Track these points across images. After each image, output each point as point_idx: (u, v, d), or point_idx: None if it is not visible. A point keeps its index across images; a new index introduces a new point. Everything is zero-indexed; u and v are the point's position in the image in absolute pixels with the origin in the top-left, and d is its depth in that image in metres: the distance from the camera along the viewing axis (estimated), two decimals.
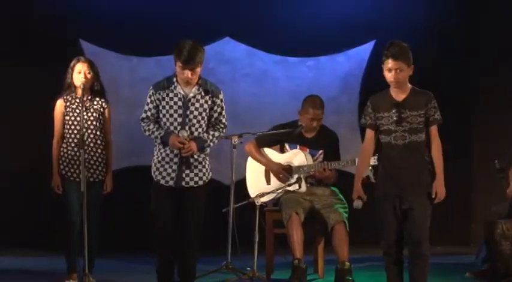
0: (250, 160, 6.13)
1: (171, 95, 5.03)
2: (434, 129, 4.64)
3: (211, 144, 5.12)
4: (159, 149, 5.09)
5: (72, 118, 5.58)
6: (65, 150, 5.59)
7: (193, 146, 4.99)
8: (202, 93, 5.06)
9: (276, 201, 5.92)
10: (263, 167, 6.02)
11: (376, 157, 4.78)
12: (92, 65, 5.65)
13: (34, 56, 7.55)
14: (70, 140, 5.58)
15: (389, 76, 4.62)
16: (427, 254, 4.59)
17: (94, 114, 5.60)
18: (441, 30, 8.00)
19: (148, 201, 5.14)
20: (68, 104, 5.60)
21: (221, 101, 5.13)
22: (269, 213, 5.99)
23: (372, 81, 7.54)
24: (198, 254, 5.18)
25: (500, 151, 6.27)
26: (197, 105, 5.04)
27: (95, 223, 5.47)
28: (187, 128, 5.01)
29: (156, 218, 5.06)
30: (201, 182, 5.08)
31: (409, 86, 4.68)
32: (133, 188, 6.82)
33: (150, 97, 5.08)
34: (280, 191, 5.86)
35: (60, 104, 5.63)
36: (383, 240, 4.67)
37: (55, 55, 7.12)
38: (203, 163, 5.10)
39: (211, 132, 5.09)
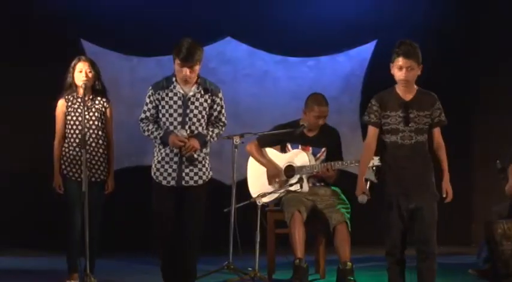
0: (251, 160, 6.12)
1: (170, 94, 5.02)
2: (438, 131, 4.66)
3: (212, 140, 5.10)
4: (159, 149, 5.07)
5: (74, 118, 5.57)
6: (67, 150, 5.58)
7: (195, 142, 4.98)
8: (202, 92, 5.05)
9: (277, 201, 5.92)
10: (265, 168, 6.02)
11: (378, 158, 4.77)
12: (93, 64, 5.63)
13: (34, 56, 7.55)
14: (72, 140, 5.57)
15: (399, 74, 4.61)
16: (435, 252, 4.61)
17: (96, 114, 5.59)
18: (441, 30, 8.01)
19: (149, 201, 5.13)
20: (69, 103, 5.58)
21: (220, 99, 5.12)
22: (270, 213, 5.98)
23: (374, 81, 7.57)
24: (198, 254, 5.16)
25: (500, 151, 6.27)
26: (197, 103, 5.03)
27: (96, 223, 5.46)
28: (187, 127, 5.00)
29: (157, 218, 5.05)
30: (200, 182, 5.07)
31: (415, 86, 4.68)
32: (133, 188, 6.81)
33: (149, 97, 5.07)
34: (281, 191, 5.85)
35: (61, 104, 5.61)
36: (387, 240, 4.66)
37: (55, 55, 7.12)
38: (203, 162, 5.09)
39: (211, 129, 5.08)
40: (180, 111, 5.01)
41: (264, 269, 5.86)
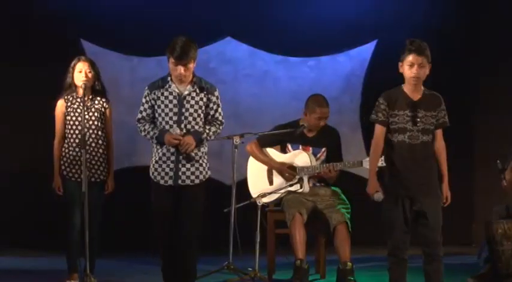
0: (251, 160, 6.11)
1: (166, 93, 5.02)
2: (440, 133, 4.67)
3: (208, 138, 5.07)
4: (157, 149, 5.06)
5: (74, 118, 5.56)
6: (66, 150, 5.57)
7: (190, 139, 4.95)
8: (197, 91, 5.04)
9: (278, 201, 5.92)
10: (265, 167, 6.01)
11: (382, 158, 4.76)
12: (92, 65, 5.63)
13: (34, 56, 7.55)
14: (71, 140, 5.56)
15: (410, 72, 4.59)
16: (441, 254, 4.62)
17: (95, 114, 5.59)
18: (441, 30, 8.00)
19: (149, 201, 5.12)
20: (69, 104, 5.58)
21: (217, 98, 5.10)
22: (271, 213, 5.98)
23: (374, 81, 7.57)
24: (198, 254, 5.15)
25: (500, 151, 6.27)
26: (192, 102, 5.02)
27: (96, 223, 5.46)
28: (182, 125, 4.99)
29: (156, 218, 5.04)
30: (197, 181, 5.04)
31: (422, 86, 4.68)
32: (133, 188, 6.80)
33: (145, 97, 5.07)
34: (282, 191, 5.84)
35: (61, 104, 5.61)
36: (389, 241, 4.65)
37: (55, 55, 7.12)
38: (200, 161, 5.08)
39: (208, 127, 5.07)
40: (175, 110, 5.00)
41: (264, 269, 5.86)
